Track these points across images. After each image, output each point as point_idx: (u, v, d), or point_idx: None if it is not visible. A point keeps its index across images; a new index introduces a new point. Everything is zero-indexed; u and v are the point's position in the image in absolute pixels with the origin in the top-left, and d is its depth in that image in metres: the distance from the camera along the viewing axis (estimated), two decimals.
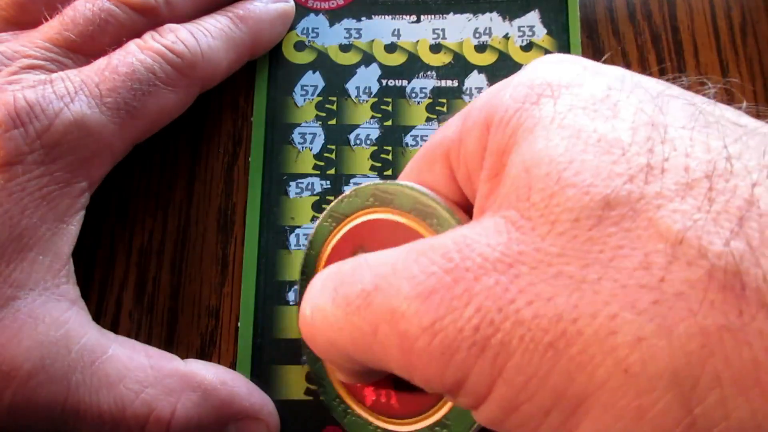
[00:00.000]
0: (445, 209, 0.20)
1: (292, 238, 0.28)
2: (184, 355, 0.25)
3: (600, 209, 0.14)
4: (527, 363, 0.14)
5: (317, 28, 0.31)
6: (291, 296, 0.27)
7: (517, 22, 0.30)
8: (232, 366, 0.26)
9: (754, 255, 0.13)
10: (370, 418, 0.23)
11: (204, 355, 0.27)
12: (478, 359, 0.14)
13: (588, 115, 0.16)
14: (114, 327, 0.27)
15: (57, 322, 0.22)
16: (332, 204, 0.24)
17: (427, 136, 0.29)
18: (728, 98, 0.30)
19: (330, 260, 0.24)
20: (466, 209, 0.21)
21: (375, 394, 0.23)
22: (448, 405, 0.21)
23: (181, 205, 0.29)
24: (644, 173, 0.14)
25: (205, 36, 0.27)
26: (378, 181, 0.24)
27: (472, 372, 0.15)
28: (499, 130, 0.17)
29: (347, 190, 0.24)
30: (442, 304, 0.15)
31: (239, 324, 0.27)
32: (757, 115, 0.17)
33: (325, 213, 0.24)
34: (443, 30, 0.30)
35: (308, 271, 0.24)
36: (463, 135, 0.19)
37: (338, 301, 0.17)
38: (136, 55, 0.25)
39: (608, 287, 0.13)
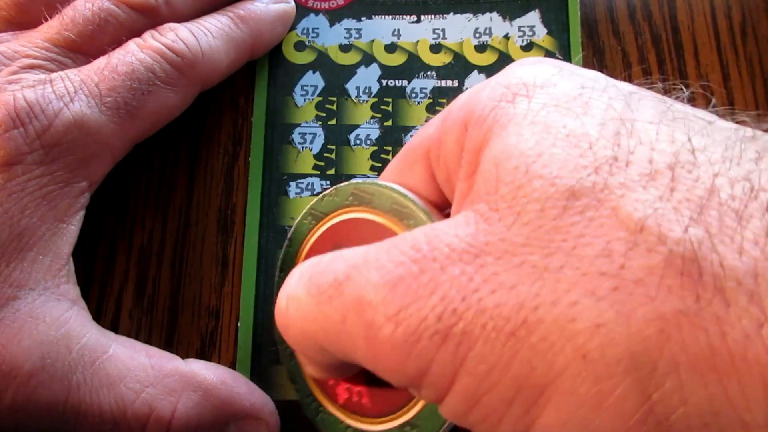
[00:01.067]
0: (423, 210, 0.21)
1: None
2: (184, 355, 0.25)
3: (565, 199, 0.14)
4: (489, 352, 0.14)
5: (317, 28, 0.31)
6: None
7: (518, 22, 0.30)
8: (232, 366, 0.26)
9: (711, 241, 0.13)
10: (342, 417, 0.23)
11: (204, 355, 0.27)
12: (439, 348, 0.14)
13: (560, 112, 0.16)
14: (114, 327, 0.27)
15: (57, 321, 0.22)
16: (312, 202, 0.24)
17: None
18: (728, 98, 0.30)
19: (309, 257, 0.24)
20: (444, 210, 0.21)
21: (347, 393, 0.23)
22: (419, 405, 0.21)
23: (181, 205, 0.29)
24: (609, 165, 0.14)
25: (205, 35, 0.27)
26: (358, 180, 0.24)
27: (434, 362, 0.15)
28: (476, 129, 0.17)
29: (327, 189, 0.24)
30: (408, 292, 0.15)
31: (239, 324, 0.27)
32: (757, 116, 0.17)
33: (305, 211, 0.24)
34: (443, 30, 0.30)
35: (286, 267, 0.25)
36: (443, 135, 0.19)
37: (311, 290, 0.17)
38: (135, 54, 0.25)
39: (569, 275, 0.13)
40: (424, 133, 0.21)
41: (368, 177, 0.28)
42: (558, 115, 0.16)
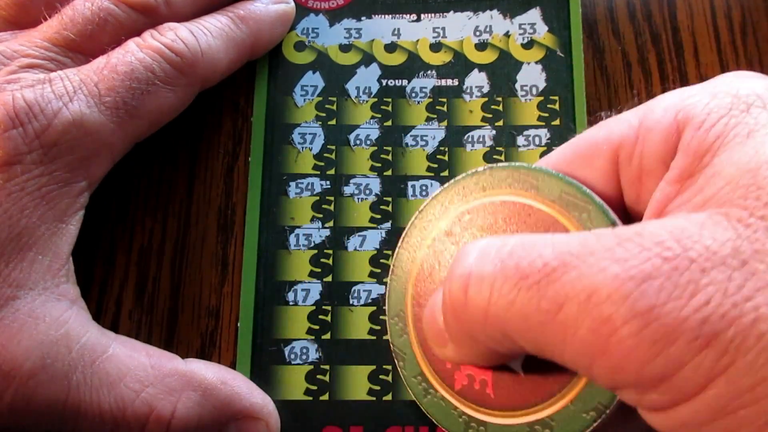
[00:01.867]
0: (600, 205, 0.20)
1: (292, 238, 0.28)
2: (184, 355, 0.25)
3: None
4: (762, 364, 0.13)
5: (317, 28, 0.31)
6: (290, 296, 0.27)
7: (518, 19, 0.30)
8: (232, 366, 0.26)
9: None
10: (456, 403, 0.22)
11: (204, 355, 0.27)
12: (699, 353, 0.14)
13: None
14: (114, 327, 0.27)
15: (57, 321, 0.22)
16: (459, 177, 0.23)
17: (427, 135, 0.29)
18: None
19: (444, 236, 0.23)
20: (617, 210, 0.20)
21: (467, 379, 0.22)
22: (557, 405, 0.20)
23: (181, 205, 0.29)
24: None
25: (205, 35, 0.27)
26: (519, 163, 0.23)
27: (687, 366, 0.14)
28: (700, 133, 0.17)
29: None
30: (663, 290, 0.14)
31: (239, 324, 0.27)
32: None
33: (447, 185, 0.23)
34: (443, 28, 0.30)
35: (412, 241, 0.23)
36: (644, 133, 0.19)
37: (508, 273, 0.16)
38: (135, 54, 0.25)
39: None
40: (609, 128, 0.20)
41: (368, 177, 0.28)
42: None
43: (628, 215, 0.21)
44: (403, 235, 0.24)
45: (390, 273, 0.24)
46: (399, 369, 0.23)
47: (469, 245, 0.18)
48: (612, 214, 0.20)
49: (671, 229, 0.15)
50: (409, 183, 0.28)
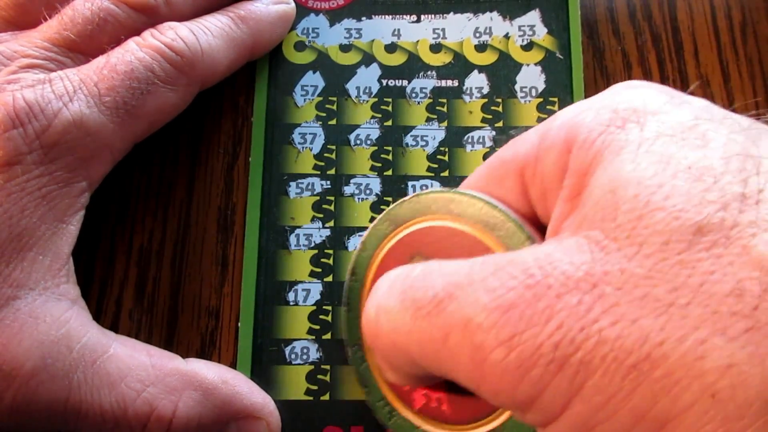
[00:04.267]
0: (515, 222, 0.20)
1: (292, 238, 0.28)
2: (184, 355, 0.25)
3: (691, 234, 0.14)
4: (608, 383, 0.14)
5: (317, 28, 0.31)
6: (291, 296, 0.27)
7: (518, 21, 0.30)
8: (232, 366, 0.26)
9: None
10: (418, 422, 0.23)
11: (204, 355, 0.27)
12: (555, 376, 0.14)
13: (676, 142, 0.16)
14: (114, 327, 0.27)
15: (58, 321, 0.22)
16: (391, 207, 0.24)
17: (427, 136, 0.29)
18: (728, 98, 0.30)
19: (384, 263, 0.24)
20: (534, 225, 0.21)
21: (425, 399, 0.23)
22: (505, 415, 0.21)
23: (181, 205, 0.29)
24: (738, 202, 0.14)
25: (205, 34, 0.27)
26: (439, 188, 0.24)
27: (548, 389, 0.14)
28: (582, 151, 0.17)
29: (408, 194, 0.24)
30: (522, 319, 0.15)
31: (239, 324, 0.27)
32: (757, 116, 0.17)
33: (382, 215, 0.24)
34: (443, 30, 0.30)
35: (359, 272, 0.24)
36: (541, 153, 0.19)
37: (407, 304, 0.17)
38: (135, 53, 0.25)
39: (697, 312, 0.13)
40: (517, 147, 0.21)
41: (368, 177, 0.28)
42: (675, 146, 0.16)
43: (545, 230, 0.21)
44: (350, 267, 0.25)
45: (343, 304, 0.25)
46: (365, 395, 0.24)
47: (383, 277, 0.19)
48: (527, 230, 0.20)
49: (538, 256, 0.16)
50: (410, 183, 0.28)
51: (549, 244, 0.16)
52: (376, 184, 0.28)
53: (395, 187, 0.28)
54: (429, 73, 0.30)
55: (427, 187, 0.28)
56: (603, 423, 0.14)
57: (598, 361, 0.14)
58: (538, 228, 0.21)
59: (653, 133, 0.16)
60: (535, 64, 0.30)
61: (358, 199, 0.28)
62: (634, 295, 0.14)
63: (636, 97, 0.17)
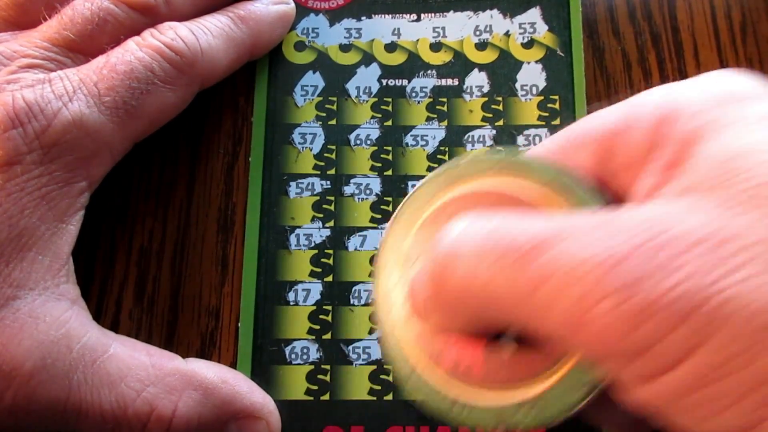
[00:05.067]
0: (589, 190, 0.20)
1: (292, 238, 0.28)
2: (184, 355, 0.25)
3: None
4: (733, 341, 0.14)
5: (317, 28, 0.31)
6: (291, 296, 0.27)
7: (518, 19, 0.30)
8: (233, 366, 0.26)
9: None
10: (442, 383, 0.21)
11: (204, 355, 0.27)
12: (675, 329, 0.14)
13: None
14: (114, 327, 0.27)
15: (57, 321, 0.22)
16: (448, 163, 0.23)
17: (427, 135, 0.29)
18: None
19: (435, 217, 0.22)
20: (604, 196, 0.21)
21: (454, 360, 0.21)
22: (544, 384, 0.19)
23: (181, 205, 0.29)
24: None
25: (204, 34, 0.27)
26: (504, 153, 0.23)
27: (665, 340, 0.14)
28: (686, 123, 0.17)
29: (466, 158, 0.23)
30: (640, 267, 0.15)
31: (239, 324, 0.27)
32: None
33: (439, 169, 0.23)
34: (443, 28, 0.30)
35: (400, 225, 0.23)
36: (632, 123, 0.19)
37: (489, 249, 0.17)
38: (134, 53, 0.25)
39: None
40: (598, 119, 0.21)
41: (368, 177, 0.28)
42: None
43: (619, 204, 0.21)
44: (388, 225, 0.24)
45: (376, 262, 0.24)
46: (382, 348, 0.24)
47: (455, 221, 0.19)
48: (600, 199, 0.20)
49: (651, 213, 0.16)
50: (410, 183, 0.28)
51: (654, 204, 0.16)
52: (376, 184, 0.28)
53: (395, 187, 0.28)
54: (429, 72, 0.30)
55: None
56: (717, 381, 0.14)
57: (725, 316, 0.14)
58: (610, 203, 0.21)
59: (765, 109, 0.16)
60: (536, 62, 0.30)
61: (358, 199, 0.28)
62: (767, 256, 0.14)
63: (738, 81, 0.18)
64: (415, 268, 0.21)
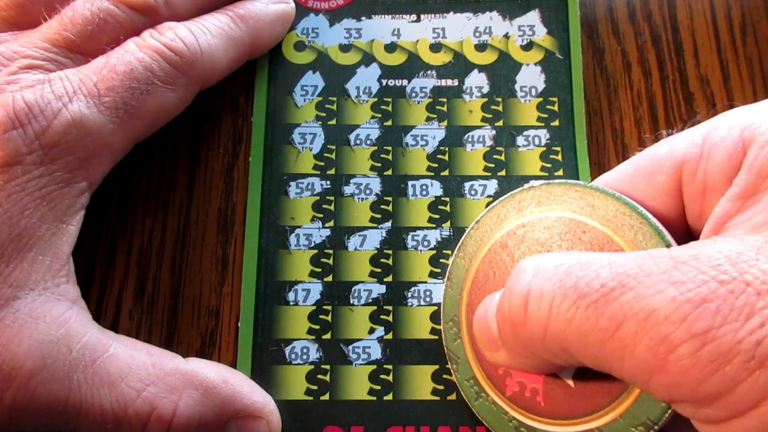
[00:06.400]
0: (655, 226, 0.20)
1: (292, 238, 0.28)
2: (184, 355, 0.25)
3: None
4: None
5: (317, 28, 0.31)
6: (291, 296, 0.27)
7: (518, 21, 0.30)
8: (232, 366, 0.26)
9: None
10: (506, 408, 0.22)
11: (204, 354, 0.27)
12: (753, 373, 0.14)
13: None
14: (114, 327, 0.27)
15: (57, 321, 0.22)
16: (514, 191, 0.24)
17: (427, 135, 0.29)
18: (728, 98, 0.30)
19: (499, 245, 0.23)
20: (671, 226, 0.21)
21: (519, 386, 0.22)
22: (605, 417, 0.20)
23: (181, 205, 0.29)
24: None
25: (204, 34, 0.27)
26: (573, 180, 0.24)
27: (742, 384, 0.14)
28: (765, 152, 0.17)
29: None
30: (719, 313, 0.15)
31: (239, 324, 0.27)
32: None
33: (504, 198, 0.24)
34: (443, 29, 0.30)
35: (468, 250, 0.24)
36: (708, 150, 0.19)
37: (567, 291, 0.17)
38: (134, 53, 0.25)
39: None
40: (674, 144, 0.21)
41: (368, 177, 0.28)
42: None
43: (690, 231, 0.21)
44: (459, 243, 0.25)
45: (446, 279, 0.25)
46: (452, 372, 0.24)
47: (527, 261, 0.19)
48: (668, 236, 0.20)
49: (727, 253, 0.16)
50: (410, 183, 0.28)
51: (728, 241, 0.16)
52: (376, 184, 0.28)
53: (395, 186, 0.28)
54: (429, 72, 0.30)
55: (427, 187, 0.28)
56: None
57: None
58: (679, 233, 0.21)
59: None
60: (535, 64, 0.30)
61: (358, 198, 0.28)
62: None
63: None
64: (491, 301, 0.21)
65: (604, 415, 0.20)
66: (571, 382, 0.21)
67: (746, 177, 0.18)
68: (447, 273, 0.25)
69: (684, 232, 0.21)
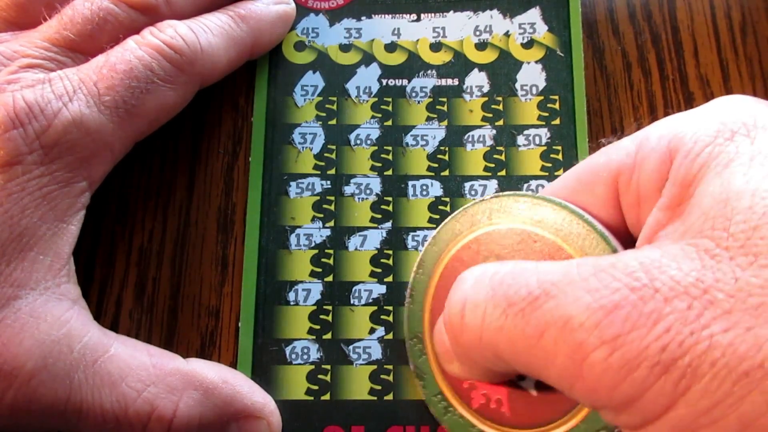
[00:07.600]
0: (601, 233, 0.21)
1: (293, 238, 0.28)
2: (184, 355, 0.25)
3: None
4: (716, 388, 0.14)
5: (317, 28, 0.31)
6: (291, 296, 0.27)
7: (518, 19, 0.30)
8: (233, 366, 0.26)
9: None
10: (474, 421, 0.23)
11: (204, 355, 0.27)
12: (659, 378, 0.14)
13: None
14: (114, 327, 0.27)
15: (58, 321, 0.22)
16: (467, 205, 0.24)
17: (427, 135, 0.29)
18: None
19: (456, 260, 0.24)
20: (619, 235, 0.21)
21: (484, 398, 0.23)
22: (568, 424, 0.21)
23: (181, 205, 0.29)
24: None
25: (204, 32, 0.27)
26: (521, 192, 0.24)
27: (650, 391, 0.15)
28: (687, 161, 0.17)
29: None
30: (628, 320, 0.15)
31: (239, 324, 0.27)
32: None
33: (457, 212, 0.24)
34: (443, 28, 0.30)
35: (427, 266, 0.25)
36: (639, 161, 0.19)
37: (498, 300, 0.17)
38: (134, 52, 0.25)
39: None
40: (610, 155, 0.21)
41: (368, 177, 0.28)
42: None
43: (633, 238, 0.21)
44: (418, 260, 0.25)
45: (407, 297, 0.25)
46: (420, 388, 0.24)
47: (467, 272, 0.19)
48: (613, 241, 0.21)
49: (643, 260, 0.16)
50: (410, 183, 0.28)
51: (650, 249, 0.16)
52: (376, 184, 0.28)
53: (395, 186, 0.28)
54: (429, 72, 0.30)
55: (427, 186, 0.28)
56: (705, 428, 0.14)
57: (707, 365, 0.14)
58: (624, 239, 0.21)
59: (765, 147, 0.16)
60: (536, 62, 0.30)
61: (359, 198, 0.28)
62: (748, 304, 0.14)
63: (744, 111, 0.18)
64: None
65: (568, 421, 0.21)
66: (533, 392, 0.22)
67: (672, 188, 0.18)
68: (408, 290, 0.25)
69: (630, 239, 0.21)
